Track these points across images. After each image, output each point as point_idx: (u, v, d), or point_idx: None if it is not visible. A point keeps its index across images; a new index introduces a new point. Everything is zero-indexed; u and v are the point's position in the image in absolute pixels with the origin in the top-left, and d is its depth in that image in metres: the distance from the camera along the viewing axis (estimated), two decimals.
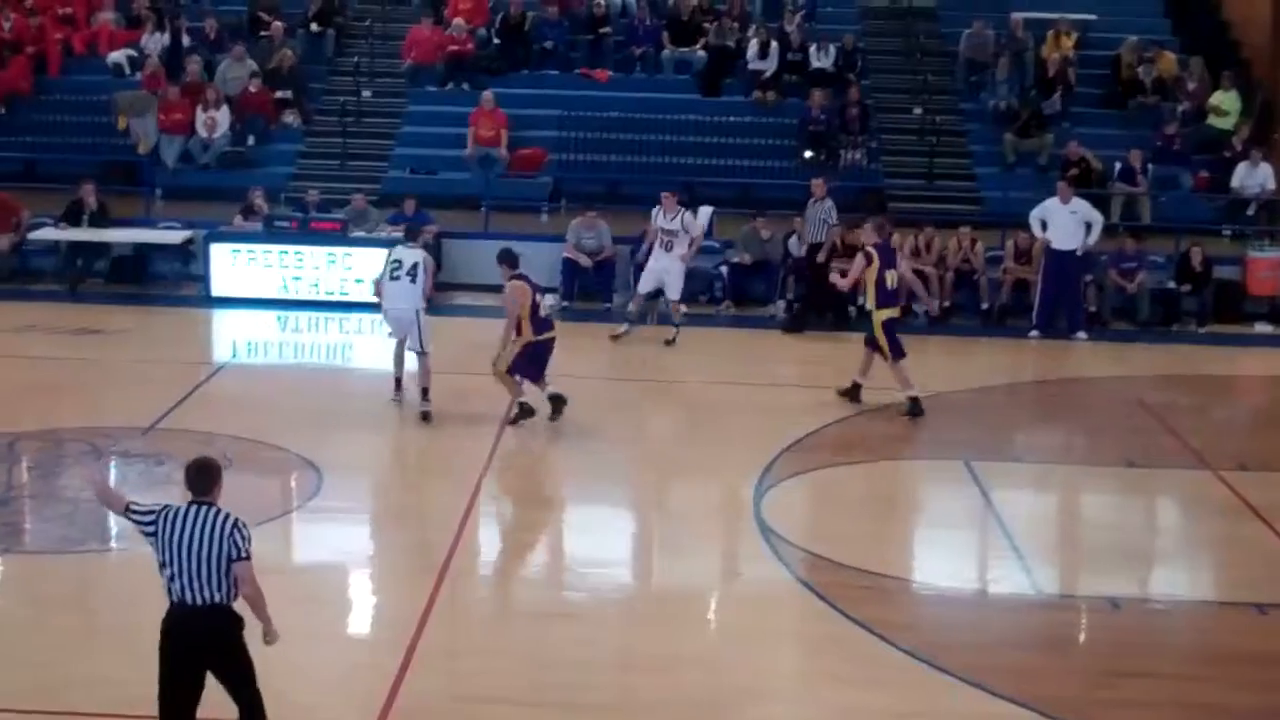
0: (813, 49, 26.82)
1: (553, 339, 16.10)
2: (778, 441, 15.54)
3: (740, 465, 14.93)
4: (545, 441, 15.93)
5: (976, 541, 13.79)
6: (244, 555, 8.39)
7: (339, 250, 21.54)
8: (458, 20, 27.06)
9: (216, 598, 8.37)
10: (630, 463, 15.48)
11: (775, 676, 10.79)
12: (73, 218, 22.35)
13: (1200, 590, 13.07)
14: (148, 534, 8.47)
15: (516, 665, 10.62)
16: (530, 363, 15.92)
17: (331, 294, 21.49)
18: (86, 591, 11.92)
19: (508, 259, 16.31)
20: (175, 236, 22.73)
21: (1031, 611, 12.19)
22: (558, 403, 16.11)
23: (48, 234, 22.51)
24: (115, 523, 13.38)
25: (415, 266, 16.23)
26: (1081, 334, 21.02)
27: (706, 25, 27.50)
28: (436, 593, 11.72)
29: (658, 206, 20.56)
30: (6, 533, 13.02)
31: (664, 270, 20.20)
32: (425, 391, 16.28)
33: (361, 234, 21.92)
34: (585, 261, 22.07)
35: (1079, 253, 20.98)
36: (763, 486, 14.36)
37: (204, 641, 8.43)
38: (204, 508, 8.44)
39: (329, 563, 12.85)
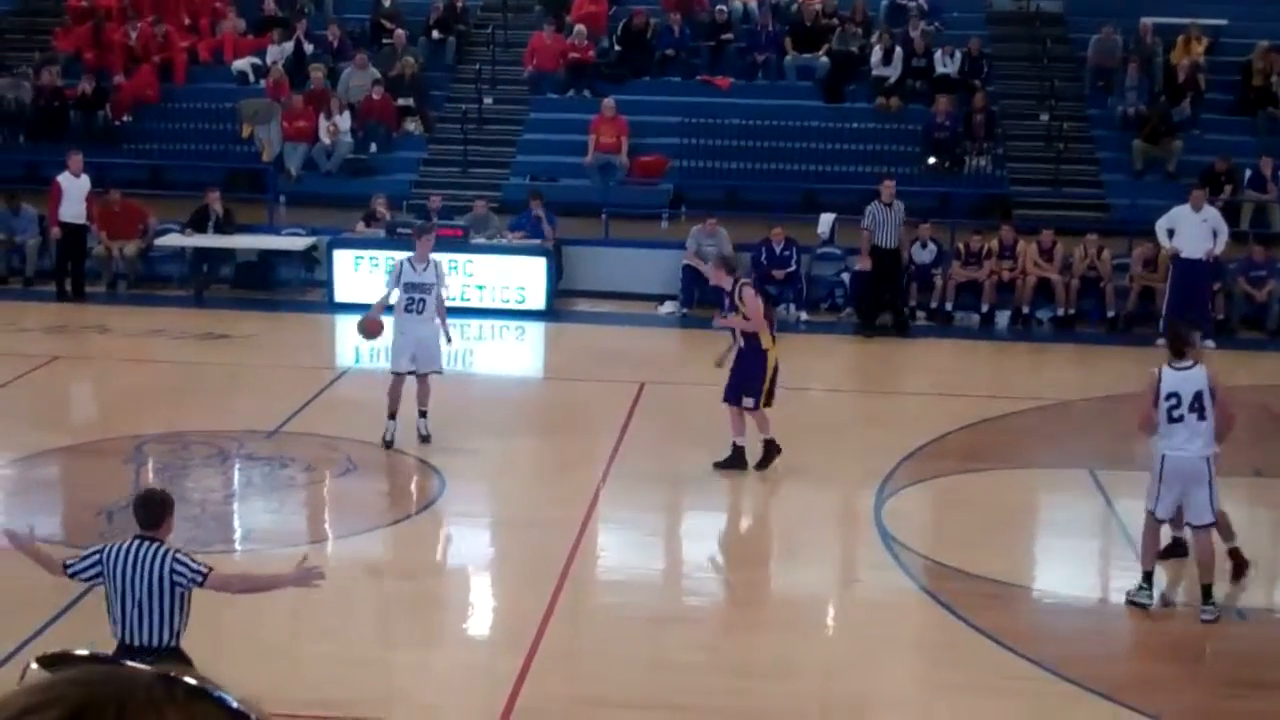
0: (937, 55, 26.59)
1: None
2: (900, 448, 15.40)
3: (862, 472, 14.82)
4: (664, 449, 15.90)
5: (1100, 551, 13.60)
6: (199, 580, 8.01)
7: (461, 257, 21.65)
8: (579, 27, 27.14)
9: (155, 640, 7.99)
10: (751, 469, 15.42)
11: (895, 684, 10.70)
12: (199, 224, 22.67)
13: None
14: (96, 578, 8.16)
15: (634, 669, 10.62)
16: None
17: (453, 300, 21.56)
18: (213, 593, 12.04)
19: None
20: (299, 243, 23.00)
21: (1156, 621, 11.98)
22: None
23: (174, 240, 22.86)
24: (240, 524, 13.61)
25: None
26: (1209, 342, 20.62)
27: (830, 31, 27.38)
28: (556, 597, 11.72)
29: (406, 257, 15.65)
30: None
31: (416, 341, 15.23)
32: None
33: (483, 240, 22.04)
34: (705, 269, 22.00)
35: (1203, 260, 20.60)
36: (884, 493, 14.24)
37: None
38: (145, 544, 8.03)
39: (451, 566, 12.95)
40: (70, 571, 8.19)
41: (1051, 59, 27.50)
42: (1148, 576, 11.80)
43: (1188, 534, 12.08)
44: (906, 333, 20.71)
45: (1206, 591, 11.49)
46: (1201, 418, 11.43)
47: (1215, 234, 20.79)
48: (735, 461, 14.48)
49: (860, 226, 21.16)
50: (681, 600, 12.30)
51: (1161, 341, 20.06)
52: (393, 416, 15.10)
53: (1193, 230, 20.61)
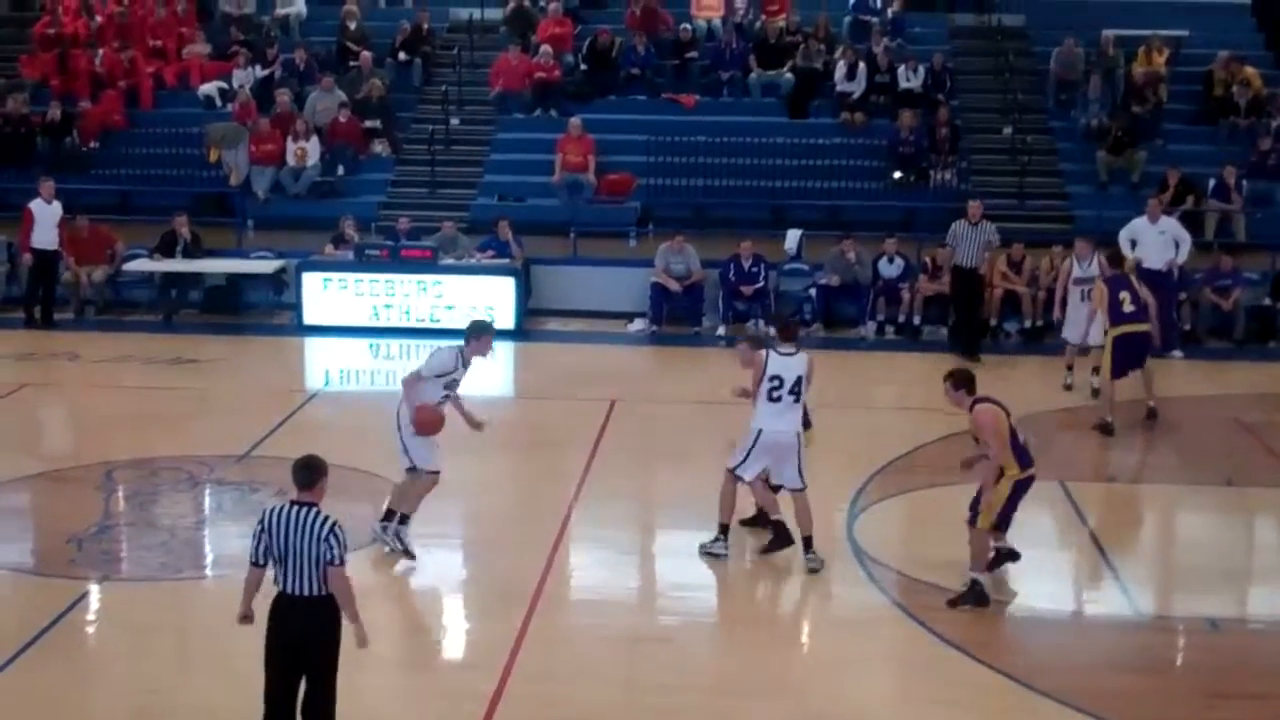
0: (901, 70, 26.73)
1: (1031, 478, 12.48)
2: (871, 463, 15.44)
3: (833, 487, 14.81)
4: (637, 467, 15.91)
5: (1073, 562, 13.65)
6: (337, 561, 8.81)
7: (430, 278, 21.68)
8: (545, 47, 27.20)
9: (314, 591, 8.83)
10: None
11: (871, 700, 10.72)
12: (166, 249, 22.65)
13: None
14: (261, 541, 8.98)
15: (609, 690, 10.63)
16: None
17: (422, 321, 21.62)
18: (185, 619, 12.02)
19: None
20: (267, 266, 22.98)
21: (1130, 633, 12.06)
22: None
23: (142, 265, 22.83)
24: (211, 550, 13.58)
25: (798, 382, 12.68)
26: (1177, 352, 20.75)
27: (794, 48, 27.48)
28: (530, 618, 11.73)
29: (458, 348, 12.96)
30: (105, 560, 13.15)
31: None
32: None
33: (452, 261, 22.04)
34: (674, 286, 22.09)
35: (1165, 270, 20.56)
36: (856, 509, 14.29)
37: (300, 629, 8.87)
38: (304, 509, 8.87)
39: (423, 589, 12.89)
40: (255, 563, 9.05)
41: (1014, 72, 27.68)
42: (724, 529, 12.91)
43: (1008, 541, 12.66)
44: (976, 354, 20.33)
45: (807, 543, 12.75)
46: (797, 400, 12.54)
47: (1177, 244, 20.89)
48: (779, 542, 13.12)
49: (944, 243, 21.22)
50: (656, 620, 12.28)
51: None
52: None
53: (1152, 241, 20.66)
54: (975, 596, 12.11)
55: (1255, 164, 24.71)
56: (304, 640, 8.90)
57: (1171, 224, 21.12)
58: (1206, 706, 10.58)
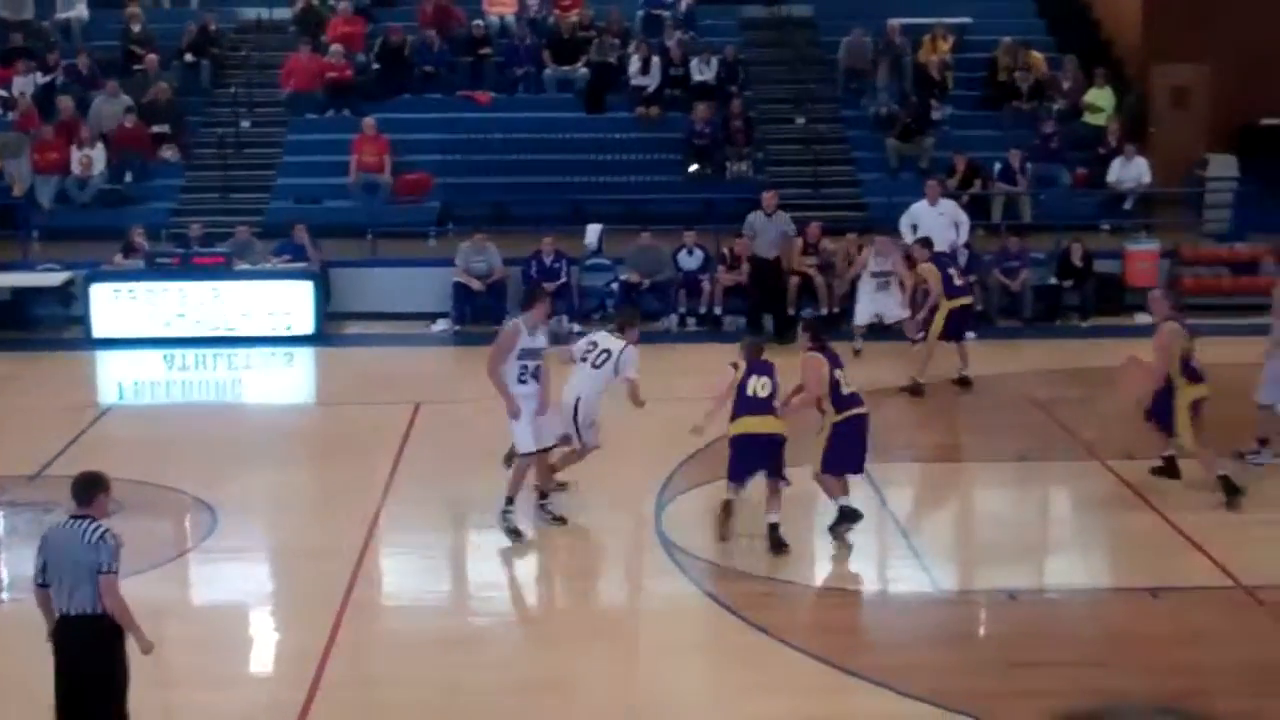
0: (694, 62, 26.91)
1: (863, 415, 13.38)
2: (676, 454, 15.50)
3: (640, 480, 14.91)
4: (443, 469, 15.79)
5: (874, 542, 13.85)
6: (106, 567, 8.50)
7: (224, 284, 21.32)
8: (336, 46, 26.88)
9: (87, 608, 8.51)
10: (528, 484, 15.41)
11: (684, 689, 10.79)
12: None
13: (1094, 578, 13.25)
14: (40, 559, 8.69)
15: (422, 694, 10.57)
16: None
17: (217, 329, 21.25)
18: None
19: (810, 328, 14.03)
20: (54, 278, 22.31)
21: (932, 609, 12.32)
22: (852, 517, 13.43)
23: None
24: (8, 572, 13.23)
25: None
26: (969, 333, 21.15)
27: (587, 43, 27.53)
28: (338, 626, 11.63)
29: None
30: None
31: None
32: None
33: (246, 266, 21.70)
34: (476, 285, 22.01)
35: (949, 252, 20.87)
36: (663, 500, 14.38)
37: (76, 649, 8.56)
38: (79, 521, 8.61)
39: (228, 602, 12.69)
40: (38, 584, 8.74)
41: (804, 62, 28.03)
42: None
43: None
44: (789, 340, 20.51)
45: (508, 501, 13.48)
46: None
47: (957, 225, 21.38)
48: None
49: (741, 234, 21.84)
50: (468, 621, 12.26)
51: (922, 335, 20.67)
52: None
53: (932, 224, 21.05)
54: (848, 515, 13.17)
55: (1039, 147, 25.32)
56: (80, 661, 8.57)
57: (950, 206, 21.63)
58: (1008, 676, 10.85)
